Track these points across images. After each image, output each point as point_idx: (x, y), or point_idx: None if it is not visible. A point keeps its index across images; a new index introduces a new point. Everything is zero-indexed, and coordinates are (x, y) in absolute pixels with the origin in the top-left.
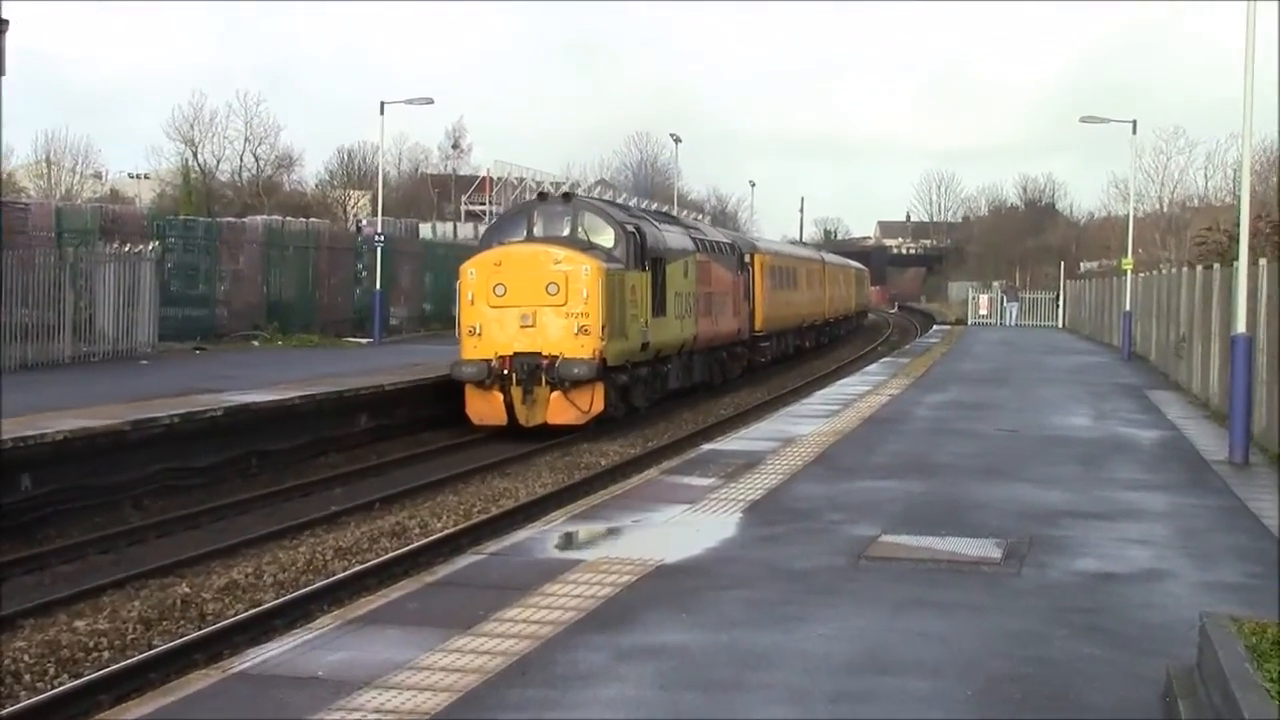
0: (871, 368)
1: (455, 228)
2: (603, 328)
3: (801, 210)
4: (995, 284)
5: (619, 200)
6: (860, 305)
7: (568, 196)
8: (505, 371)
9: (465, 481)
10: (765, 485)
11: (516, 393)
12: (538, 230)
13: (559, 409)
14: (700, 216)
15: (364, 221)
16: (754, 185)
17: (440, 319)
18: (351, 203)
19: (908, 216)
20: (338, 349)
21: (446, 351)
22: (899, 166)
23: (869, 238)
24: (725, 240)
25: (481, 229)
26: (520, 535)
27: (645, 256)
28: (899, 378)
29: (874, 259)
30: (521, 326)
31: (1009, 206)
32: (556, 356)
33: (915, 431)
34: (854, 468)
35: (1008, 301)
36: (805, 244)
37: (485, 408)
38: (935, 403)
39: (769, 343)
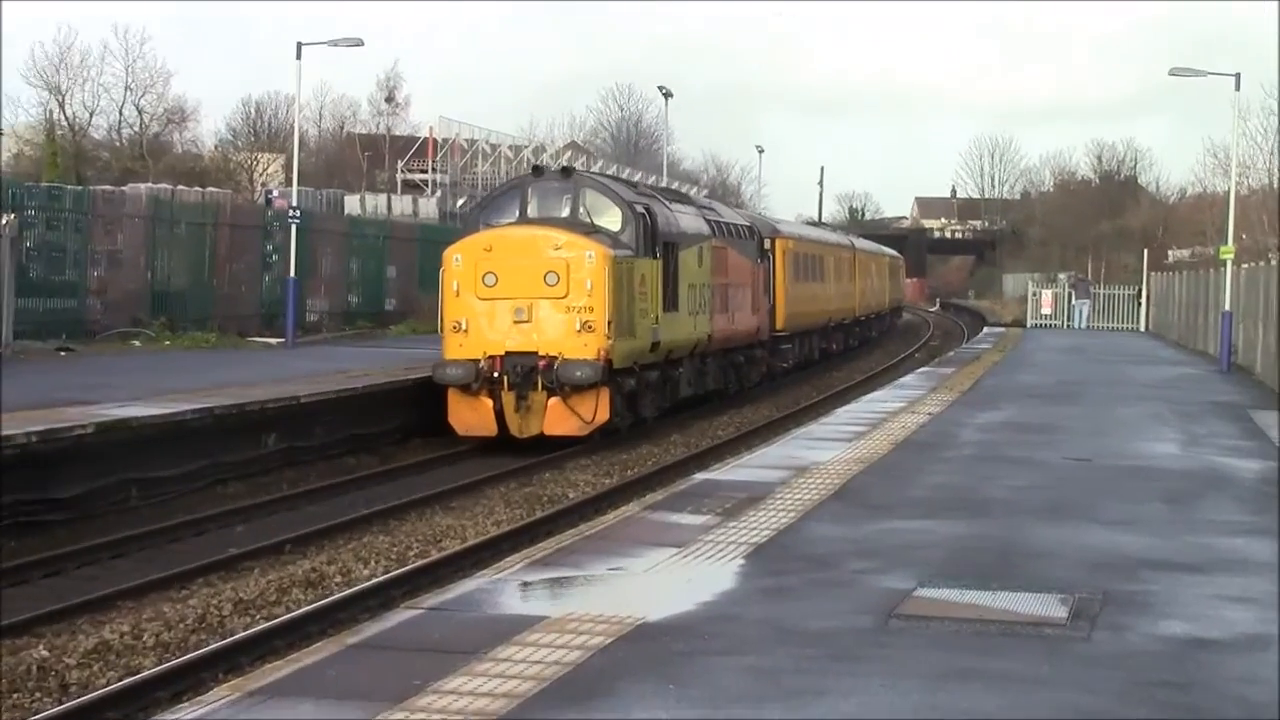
0: (907, 379)
1: (390, 201)
2: (609, 324)
3: (820, 183)
4: (1062, 276)
5: (601, 169)
6: (894, 301)
7: (567, 171)
8: (495, 374)
9: (399, 517)
10: (773, 525)
11: (508, 399)
12: (533, 210)
13: (558, 418)
14: (696, 190)
15: (275, 192)
16: (761, 151)
17: (369, 315)
18: (260, 169)
19: (953, 192)
20: (241, 351)
21: (383, 356)
22: (943, 129)
23: (904, 218)
24: (743, 223)
25: (422, 202)
26: (467, 585)
27: (656, 241)
28: (941, 392)
29: (910, 244)
30: (515, 322)
31: (1080, 180)
32: (555, 357)
33: (960, 459)
34: (884, 504)
35: (1077, 298)
36: (829, 226)
37: (472, 416)
38: (986, 424)
39: (791, 345)
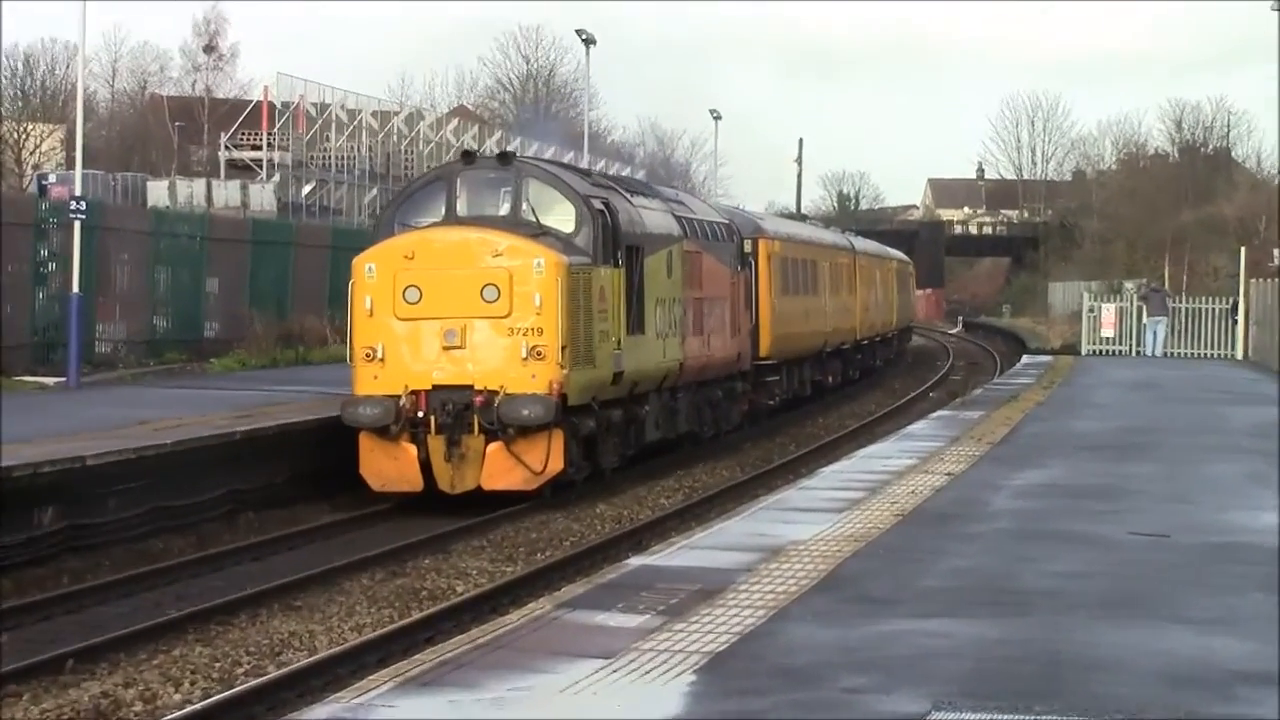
0: (918, 426)
1: (210, 188)
2: (563, 350)
3: (799, 159)
4: (1128, 285)
5: (499, 145)
6: (903, 319)
7: (506, 158)
8: (420, 414)
9: (225, 621)
10: (735, 627)
11: (436, 444)
12: (464, 207)
13: (499, 468)
14: (631, 172)
15: (51, 177)
16: (718, 119)
17: (184, 344)
18: (31, 144)
19: (979, 171)
20: (6, 395)
21: (202, 400)
22: (965, 86)
23: (913, 208)
24: (719, 220)
25: (255, 189)
26: (316, 715)
27: (618, 245)
28: (965, 444)
29: (923, 243)
30: (445, 348)
31: (1153, 154)
32: (496, 392)
33: (991, 536)
34: (886, 597)
35: (1149, 315)
36: (816, 221)
37: (389, 466)
38: (1026, 487)
39: (778, 376)
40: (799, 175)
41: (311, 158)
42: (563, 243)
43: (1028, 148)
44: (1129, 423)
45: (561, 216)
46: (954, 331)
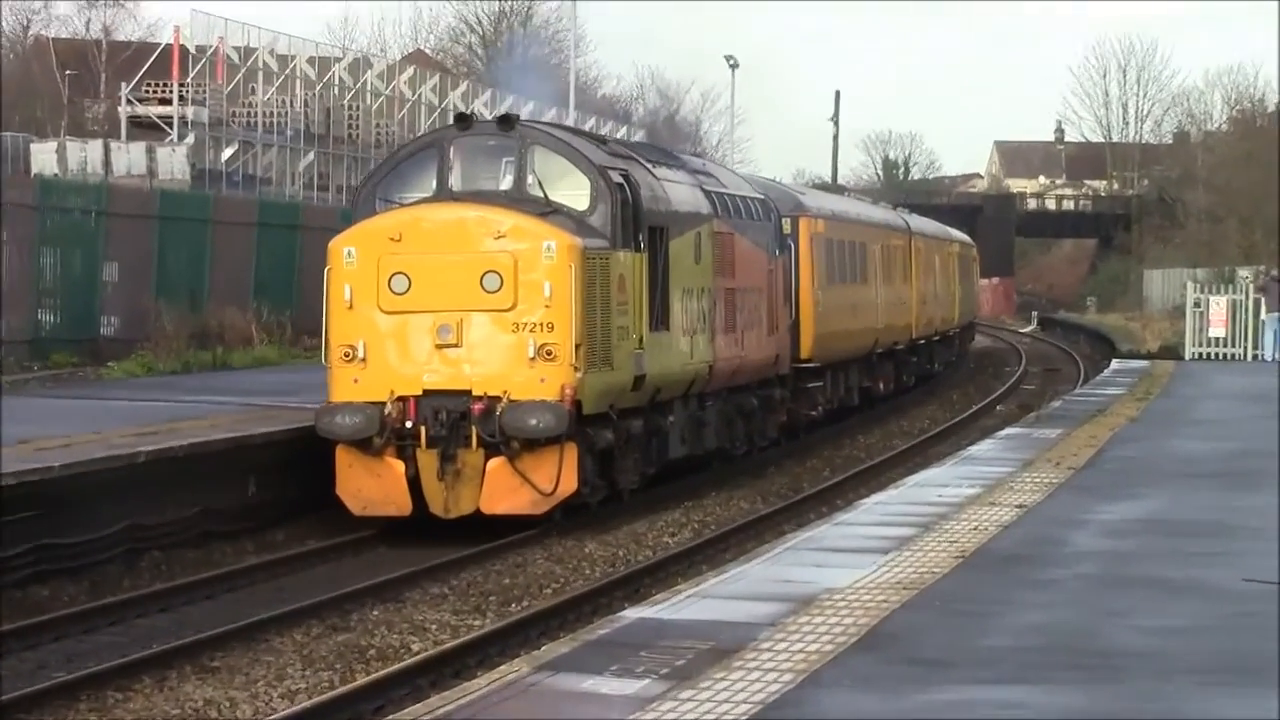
0: (982, 447)
1: (108, 152)
2: (576, 349)
3: (835, 118)
4: (1243, 274)
5: (466, 97)
6: (966, 314)
7: (508, 122)
8: (409, 424)
9: (125, 687)
10: (755, 694)
11: (427, 460)
12: (458, 180)
13: (502, 488)
14: (626, 132)
15: None
16: (735, 67)
17: (75, 344)
18: None
19: (1058, 134)
20: None
21: (98, 412)
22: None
23: (975, 177)
24: (754, 195)
25: (164, 153)
26: None
27: (640, 226)
28: (1039, 469)
29: (988, 222)
30: (438, 346)
31: (1272, 110)
32: (499, 398)
33: (1071, 583)
34: (943, 659)
35: (1270, 309)
36: (859, 195)
37: (372, 486)
38: (1115, 523)
39: (822, 382)
40: (835, 137)
41: (233, 114)
42: (576, 222)
43: (1118, 103)
44: (1243, 444)
45: (574, 191)
46: (1027, 330)
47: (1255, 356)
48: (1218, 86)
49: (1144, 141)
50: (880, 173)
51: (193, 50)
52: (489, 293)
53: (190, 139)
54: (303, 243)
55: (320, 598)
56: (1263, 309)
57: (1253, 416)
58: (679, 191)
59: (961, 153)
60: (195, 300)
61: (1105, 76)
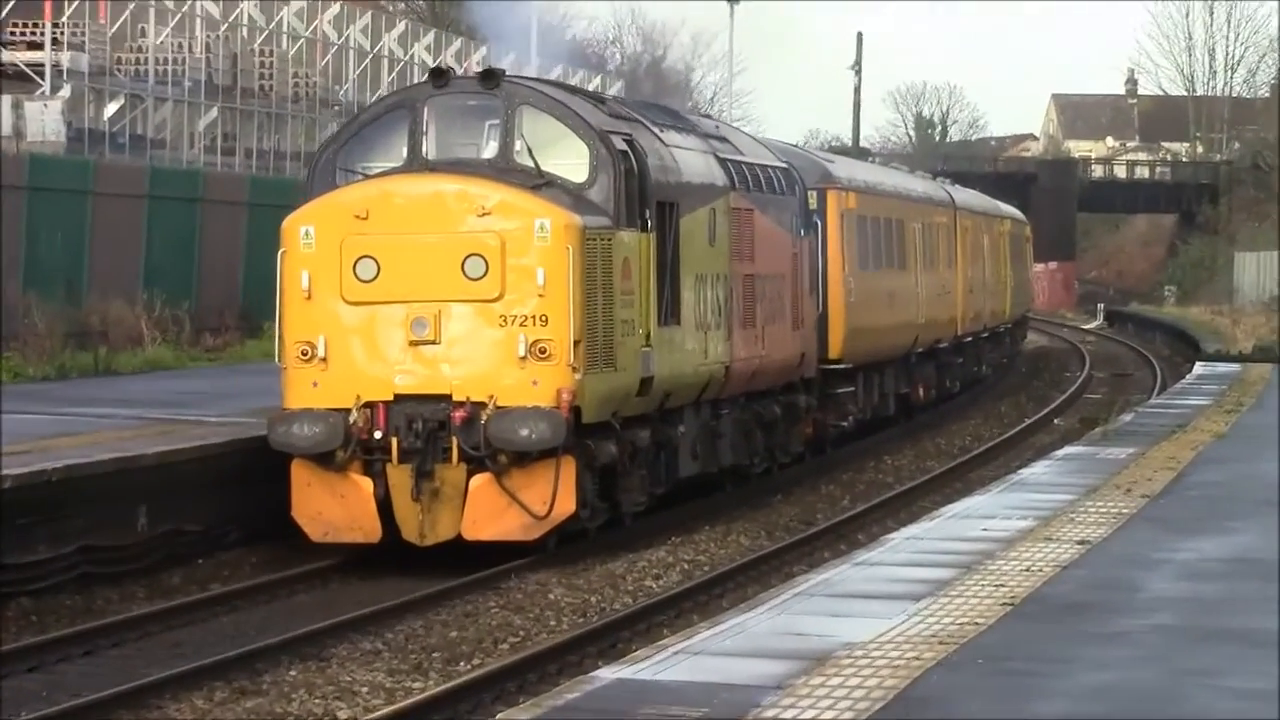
0: (1036, 469)
1: None
2: (575, 346)
3: (857, 67)
4: None
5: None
6: (1019, 306)
7: (491, 77)
8: (378, 435)
9: None
10: None
11: (400, 477)
12: (433, 147)
13: (487, 510)
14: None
15: None
16: (735, 2)
17: None
18: None
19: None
20: None
21: None
22: None
23: (1029, 138)
24: (776, 163)
25: (33, 108)
26: None
27: (647, 201)
28: (1106, 496)
29: (1043, 193)
30: (413, 343)
31: None
32: (484, 404)
33: (1145, 636)
34: None
35: None
36: (895, 164)
37: (334, 508)
38: (1198, 562)
39: (853, 387)
40: (857, 89)
41: (119, 62)
42: (572, 197)
43: (1203, 49)
44: None
45: (570, 160)
46: (1091, 326)
47: None
48: None
49: (1235, 95)
50: (912, 134)
51: None
52: (472, 280)
53: (66, 92)
54: (204, 218)
55: (225, 654)
56: None
57: None
58: (690, 160)
59: (1012, 109)
60: (72, 291)
61: (1188, 16)
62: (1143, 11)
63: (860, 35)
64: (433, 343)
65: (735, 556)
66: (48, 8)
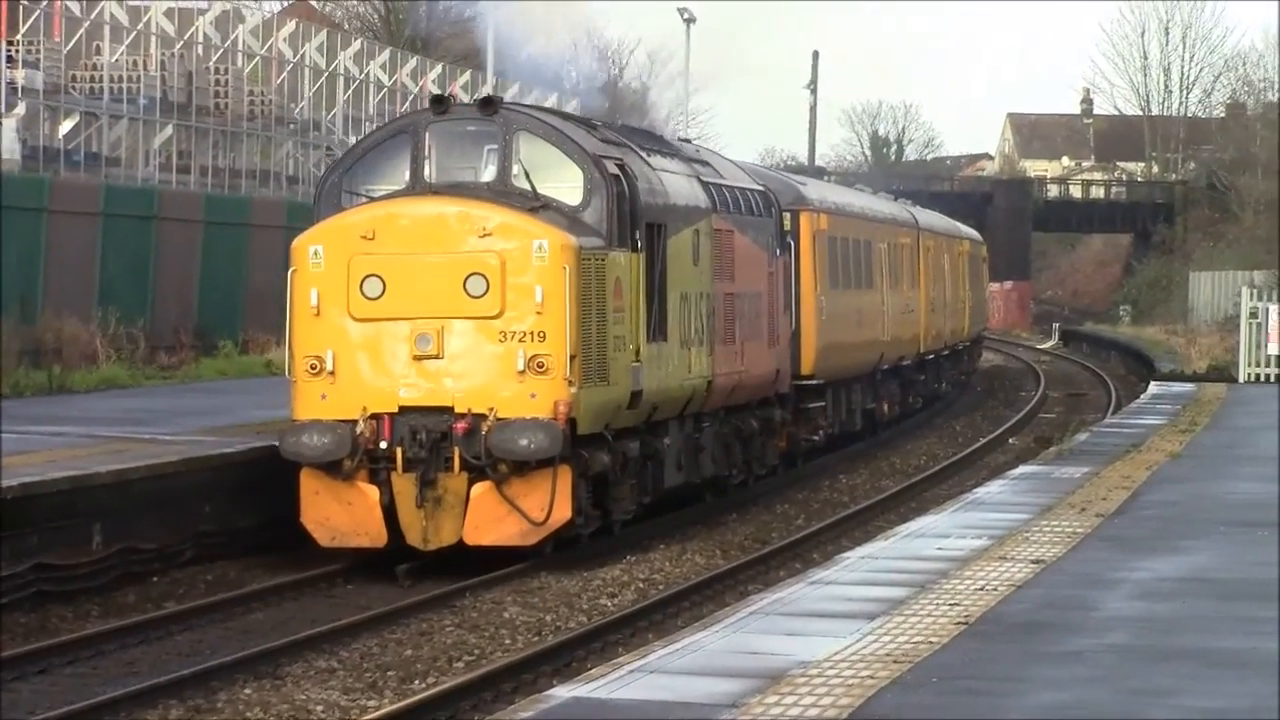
0: (991, 489)
1: None
2: (571, 361)
3: (812, 85)
4: None
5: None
6: (976, 325)
7: (490, 104)
8: (384, 445)
9: None
10: None
11: (404, 486)
12: (434, 171)
13: (488, 516)
14: (558, 100)
15: None
16: (691, 21)
17: None
18: None
19: (1086, 106)
20: None
21: None
22: None
23: (985, 158)
24: (753, 186)
25: None
26: None
27: (637, 222)
28: (1062, 515)
29: (999, 213)
30: (416, 357)
31: None
32: (485, 415)
33: (1100, 656)
34: None
35: None
36: (860, 186)
37: (341, 515)
38: (1153, 582)
39: (824, 402)
40: (813, 108)
41: (74, 79)
42: (568, 219)
43: (1159, 68)
44: None
45: (565, 183)
46: (1046, 346)
47: None
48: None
49: (1190, 115)
50: (868, 152)
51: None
52: (473, 297)
53: (20, 109)
54: (159, 236)
55: (180, 673)
56: None
57: None
58: (676, 183)
59: (967, 129)
60: (26, 308)
61: (1144, 35)
62: (1098, 31)
63: (816, 54)
64: (436, 357)
65: (690, 575)
66: (1, 26)
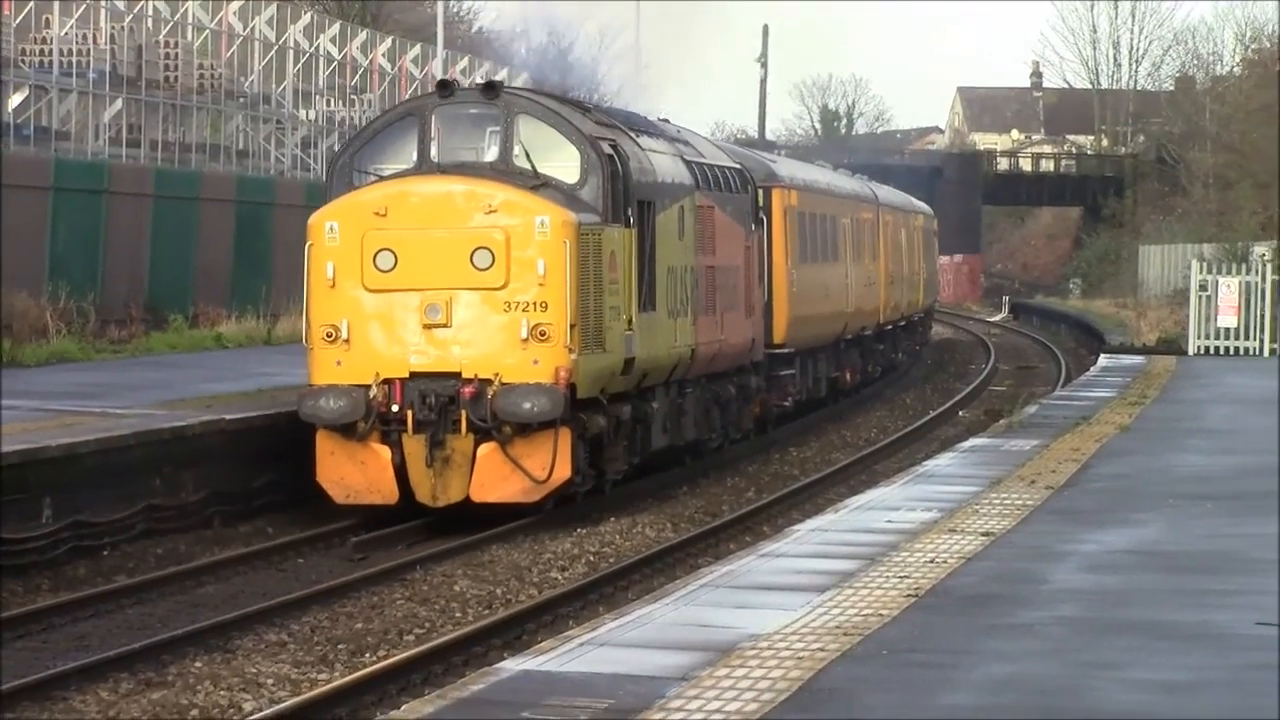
0: (941, 461)
1: None
2: (571, 330)
3: (763, 59)
4: (1259, 250)
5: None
6: (929, 297)
7: (492, 89)
8: (395, 408)
9: None
10: None
11: (414, 446)
12: (440, 151)
13: (493, 475)
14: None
15: None
16: None
17: None
18: None
19: (1035, 79)
20: None
21: None
22: None
23: (935, 131)
24: (730, 164)
25: None
26: None
27: (629, 200)
28: (1011, 488)
29: (950, 186)
30: (426, 326)
31: None
32: (490, 380)
33: (1048, 628)
34: None
35: None
36: (820, 163)
37: (356, 474)
38: (1102, 554)
39: (794, 370)
40: (763, 82)
41: (22, 52)
42: (566, 196)
43: (1108, 41)
44: (1258, 459)
45: (563, 163)
46: (996, 319)
47: (1274, 352)
48: (1229, 21)
49: (1140, 89)
50: (818, 126)
51: None
52: (480, 270)
53: None
54: (109, 210)
55: (131, 646)
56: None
57: (1271, 426)
58: (662, 162)
59: (918, 101)
60: None
61: (1093, 9)
62: (1048, 5)
63: (766, 28)
64: (444, 326)
65: (641, 548)
66: None
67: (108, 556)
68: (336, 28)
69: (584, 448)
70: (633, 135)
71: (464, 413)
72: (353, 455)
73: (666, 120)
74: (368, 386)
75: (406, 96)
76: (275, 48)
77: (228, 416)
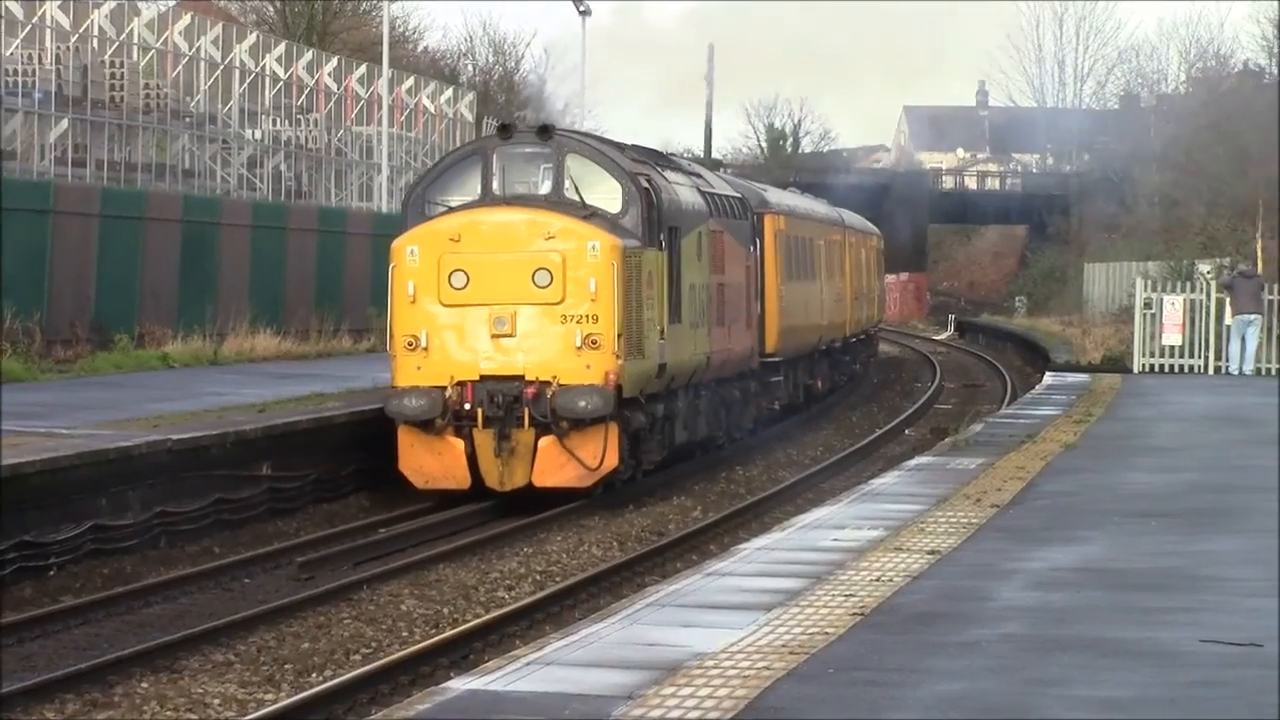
0: (887, 480)
1: None
2: (618, 338)
3: (709, 78)
4: (1203, 268)
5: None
6: (880, 314)
7: (546, 132)
8: (467, 406)
9: None
10: None
11: (484, 439)
12: (499, 185)
13: (552, 464)
14: (455, 95)
15: None
16: (586, 14)
17: None
18: None
19: (981, 97)
20: None
21: None
22: None
23: (881, 150)
24: (734, 193)
25: None
26: None
27: (661, 226)
28: (957, 506)
29: (895, 204)
30: (494, 336)
31: (1240, 70)
32: (549, 382)
33: (994, 646)
34: None
35: (1237, 311)
36: (794, 188)
37: (434, 463)
38: (1047, 572)
39: (781, 376)
40: (709, 102)
41: None
42: (611, 224)
43: (1053, 60)
44: (1203, 476)
45: (607, 195)
46: (942, 337)
47: (1219, 369)
48: (1173, 40)
49: (1085, 106)
50: (764, 145)
51: None
52: (540, 288)
53: None
54: (55, 230)
55: (78, 666)
56: (1227, 312)
57: (1216, 443)
58: (684, 193)
59: (864, 120)
60: None
61: (1038, 27)
62: (994, 23)
63: (711, 47)
64: (510, 336)
65: (587, 567)
66: None
67: (54, 577)
68: (282, 48)
69: (627, 440)
70: (659, 169)
71: (527, 410)
72: (430, 447)
73: (676, 155)
74: (444, 387)
75: (351, 119)
76: (221, 67)
77: (174, 436)
